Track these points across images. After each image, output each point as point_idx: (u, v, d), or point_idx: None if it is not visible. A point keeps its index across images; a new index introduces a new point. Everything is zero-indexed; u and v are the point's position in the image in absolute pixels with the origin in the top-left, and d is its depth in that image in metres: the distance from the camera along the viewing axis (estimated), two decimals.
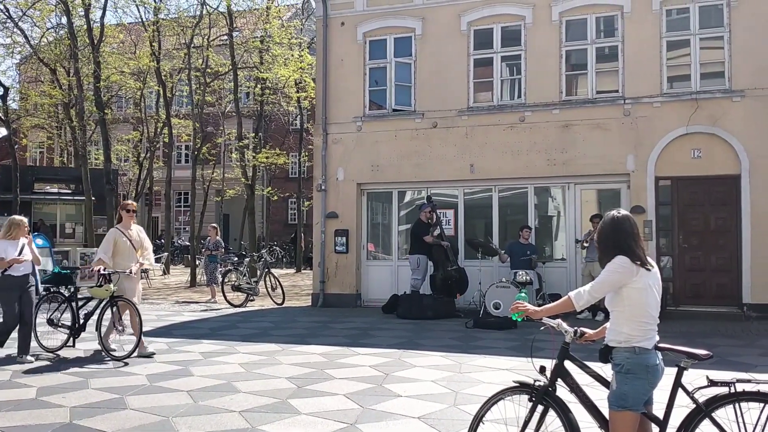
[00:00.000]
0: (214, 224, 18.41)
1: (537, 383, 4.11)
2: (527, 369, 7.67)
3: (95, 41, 21.36)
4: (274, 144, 31.34)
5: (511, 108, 14.68)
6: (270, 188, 31.78)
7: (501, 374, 7.94)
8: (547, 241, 15.20)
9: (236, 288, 15.88)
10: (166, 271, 25.74)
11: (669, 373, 3.87)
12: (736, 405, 3.71)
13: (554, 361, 4.11)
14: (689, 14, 13.65)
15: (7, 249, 8.70)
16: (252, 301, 15.98)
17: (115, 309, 9.09)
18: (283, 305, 15.68)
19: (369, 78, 15.85)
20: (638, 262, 3.83)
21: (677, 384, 3.83)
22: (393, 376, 7.91)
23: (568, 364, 4.11)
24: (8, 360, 8.79)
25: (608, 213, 4.07)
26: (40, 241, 17.14)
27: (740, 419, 3.69)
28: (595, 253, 12.68)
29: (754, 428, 3.67)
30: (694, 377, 3.96)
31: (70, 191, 27.36)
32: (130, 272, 9.20)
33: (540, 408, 4.08)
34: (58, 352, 9.27)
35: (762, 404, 3.67)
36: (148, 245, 9.75)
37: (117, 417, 6.18)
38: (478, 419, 4.26)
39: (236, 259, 18.51)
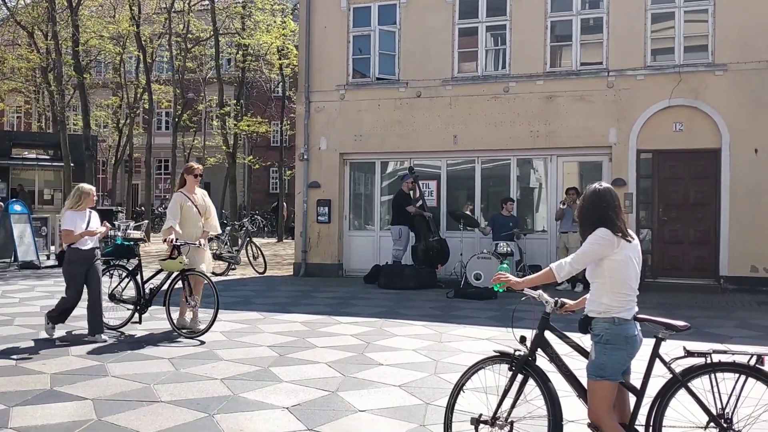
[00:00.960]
0: None
1: (517, 353, 4.15)
2: (507, 338, 7.76)
3: (73, 4, 20.94)
4: (255, 112, 31.06)
5: (495, 78, 14.64)
6: (251, 157, 31.59)
7: (481, 344, 8.02)
8: (529, 213, 15.28)
9: (217, 257, 15.79)
10: (146, 239, 25.57)
11: (647, 344, 3.92)
12: (712, 375, 3.77)
13: (534, 331, 4.15)
14: None
15: (76, 221, 7.94)
16: (233, 269, 15.96)
17: (186, 283, 8.48)
18: (265, 274, 15.68)
19: (353, 46, 15.71)
20: (619, 234, 3.86)
21: (655, 354, 3.88)
22: (374, 344, 7.97)
23: (548, 335, 4.15)
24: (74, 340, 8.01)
25: (590, 185, 4.09)
26: (18, 207, 17.01)
27: (715, 389, 3.76)
28: (569, 225, 12.82)
29: (729, 398, 3.73)
30: (671, 348, 4.02)
31: (48, 157, 26.96)
32: (199, 245, 8.54)
33: (520, 377, 4.12)
34: (122, 329, 8.62)
35: (737, 375, 3.73)
36: (213, 211, 9.06)
37: (98, 384, 6.18)
38: (458, 388, 4.30)
39: None
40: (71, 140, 22.24)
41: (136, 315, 8.81)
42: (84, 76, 22.20)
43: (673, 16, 13.63)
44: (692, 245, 13.55)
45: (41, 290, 12.43)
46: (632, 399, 3.96)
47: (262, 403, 5.68)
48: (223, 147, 23.97)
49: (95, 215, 8.27)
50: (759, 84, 12.95)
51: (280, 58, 25.96)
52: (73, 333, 8.47)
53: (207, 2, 24.35)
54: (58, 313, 8.15)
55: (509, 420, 4.15)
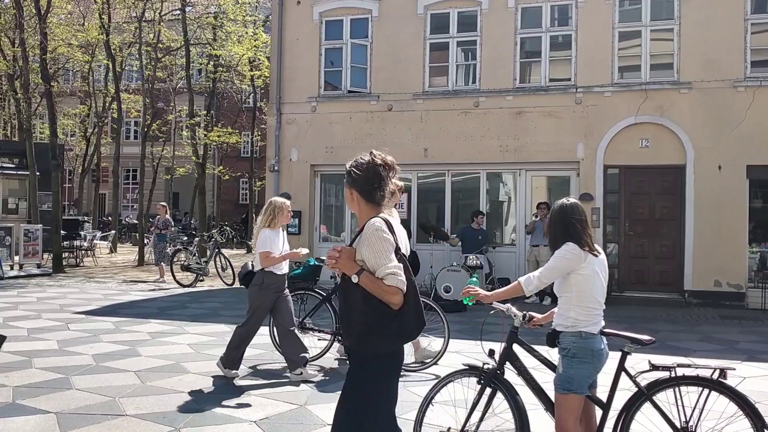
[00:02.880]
0: (163, 203, 18.11)
1: (486, 366, 4.18)
2: (476, 351, 7.79)
3: (42, 11, 20.66)
4: (226, 122, 30.89)
5: (465, 93, 14.77)
6: (221, 167, 31.39)
7: (450, 357, 8.03)
8: (498, 226, 15.40)
9: (185, 268, 15.67)
10: (113, 249, 25.25)
11: (613, 357, 3.97)
12: (676, 389, 3.84)
13: (503, 345, 4.19)
14: (641, 6, 13.89)
15: (274, 241, 6.98)
16: (201, 281, 15.81)
17: None
18: (233, 286, 15.55)
19: (324, 58, 15.74)
20: (586, 249, 3.92)
21: (620, 368, 3.95)
22: (343, 357, 7.93)
23: (517, 348, 4.19)
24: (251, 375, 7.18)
25: (558, 201, 4.15)
26: None
27: (680, 402, 3.82)
28: (539, 239, 12.95)
29: (692, 411, 3.80)
30: (636, 361, 4.08)
31: (13, 165, 26.45)
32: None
33: (488, 391, 4.15)
34: (316, 362, 7.67)
35: (700, 388, 3.80)
36: None
37: (61, 397, 6.07)
38: (427, 401, 4.31)
39: (186, 238, 18.24)
40: (37, 149, 21.85)
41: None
42: (51, 84, 21.87)
43: (640, 34, 13.90)
44: (657, 260, 13.76)
45: (5, 301, 12.18)
46: (598, 412, 4.00)
47: (230, 416, 5.63)
48: (193, 157, 23.77)
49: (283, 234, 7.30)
50: (722, 102, 13.24)
51: (251, 69, 25.89)
52: (257, 367, 7.55)
53: (178, 12, 24.22)
54: (236, 347, 7.00)
55: None
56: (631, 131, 13.74)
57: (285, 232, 7.31)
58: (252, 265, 7.13)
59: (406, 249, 3.36)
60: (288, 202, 7.36)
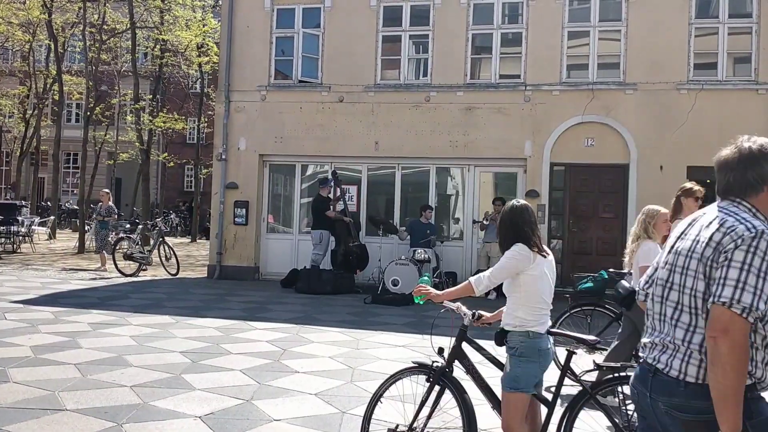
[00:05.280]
0: (106, 189, 17.68)
1: (435, 364, 4.22)
2: (423, 345, 7.86)
3: None
4: (172, 108, 30.26)
5: (417, 87, 14.80)
6: (166, 154, 30.78)
7: (398, 351, 8.08)
8: (446, 221, 15.51)
9: (128, 257, 15.34)
10: (52, 236, 24.54)
11: (558, 356, 4.05)
12: (619, 388, 3.93)
13: (452, 343, 4.22)
14: (590, 6, 14.14)
15: (656, 255, 5.70)
16: (144, 270, 15.50)
17: None
18: (178, 276, 15.31)
19: (275, 47, 15.56)
20: (535, 249, 3.98)
21: (566, 367, 4.02)
22: (290, 351, 7.90)
23: (465, 347, 4.23)
24: None
25: (508, 202, 4.22)
26: None
27: (622, 402, 3.91)
28: (493, 235, 13.08)
29: (634, 410, 3.89)
30: (581, 360, 4.16)
31: None
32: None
33: (437, 388, 4.19)
34: None
35: None
36: None
37: None
38: (376, 398, 4.33)
39: (129, 226, 17.84)
40: None
41: None
42: None
43: (588, 34, 14.15)
44: (600, 256, 14.05)
45: None
46: (544, 410, 4.08)
47: (174, 411, 5.54)
48: (137, 143, 23.26)
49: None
50: (666, 104, 13.59)
51: (199, 55, 25.40)
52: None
53: None
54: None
55: (425, 430, 4.20)
56: (577, 130, 14.00)
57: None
58: (627, 281, 6.24)
59: None
60: (663, 210, 6.49)
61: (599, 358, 5.89)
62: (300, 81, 15.33)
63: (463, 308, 4.23)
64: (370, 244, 14.14)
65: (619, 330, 6.37)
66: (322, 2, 15.22)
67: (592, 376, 4.03)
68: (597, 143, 13.92)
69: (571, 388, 4.08)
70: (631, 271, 6.12)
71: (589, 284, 7.43)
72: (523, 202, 4.17)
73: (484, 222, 13.76)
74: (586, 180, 14.15)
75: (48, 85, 28.30)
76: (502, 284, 4.11)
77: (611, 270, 7.55)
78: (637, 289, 2.78)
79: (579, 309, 6.98)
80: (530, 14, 14.29)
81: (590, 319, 7.23)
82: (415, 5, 14.90)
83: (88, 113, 24.78)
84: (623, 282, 6.27)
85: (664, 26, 13.65)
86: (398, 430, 4.20)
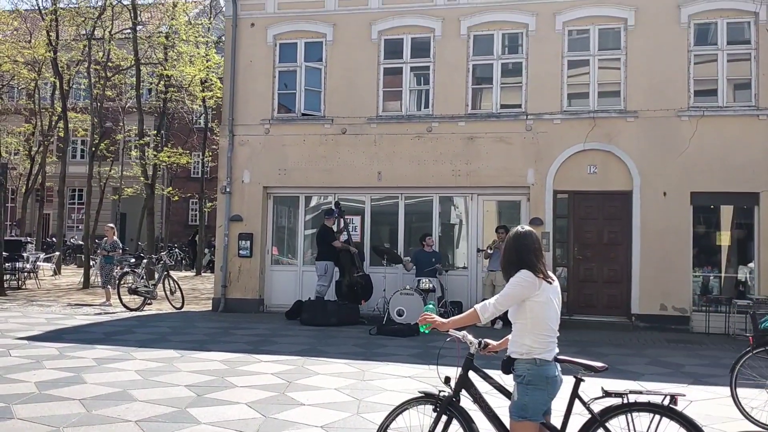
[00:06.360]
0: (111, 224, 17.73)
1: (441, 393, 4.18)
2: (429, 376, 7.81)
3: None
4: (176, 142, 30.48)
5: (418, 118, 14.90)
6: (171, 188, 30.91)
7: (404, 382, 8.02)
8: (450, 250, 15.50)
9: (133, 291, 15.33)
10: (57, 272, 24.56)
11: (567, 383, 4.01)
12: (629, 415, 3.90)
13: (459, 372, 4.19)
14: (589, 36, 14.27)
15: None
16: (149, 304, 15.48)
17: None
18: (182, 310, 15.27)
19: (278, 81, 15.72)
20: (540, 276, 3.97)
21: (574, 395, 3.98)
22: (296, 384, 7.85)
23: (472, 375, 4.20)
24: None
25: (513, 229, 4.21)
26: None
27: (632, 428, 3.87)
28: (498, 263, 13.03)
29: None
30: (589, 386, 4.12)
31: None
32: None
33: (444, 418, 4.15)
34: None
35: (652, 414, 3.87)
36: None
37: (2, 427, 5.84)
38: (383, 429, 4.29)
39: (134, 260, 17.84)
40: None
41: None
42: None
43: (588, 63, 14.26)
44: (605, 284, 14.02)
45: None
46: None
47: None
48: (141, 178, 23.36)
49: None
50: (667, 130, 13.64)
51: (203, 90, 25.64)
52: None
53: (129, 31, 23.89)
54: None
55: None
56: (579, 158, 14.04)
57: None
58: None
59: None
60: None
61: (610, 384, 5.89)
62: (303, 114, 15.45)
63: (469, 337, 4.21)
64: (375, 274, 14.11)
65: None
66: (324, 36, 15.41)
67: (602, 404, 3.99)
68: (600, 170, 13.95)
69: (580, 416, 4.03)
70: None
71: None
72: (527, 228, 4.16)
73: (488, 251, 13.74)
74: (590, 207, 14.14)
75: (53, 122, 28.53)
76: (507, 312, 4.09)
77: None
78: None
79: (763, 349, 6.59)
80: (530, 44, 14.42)
81: None
82: (416, 38, 15.07)
83: (93, 149, 24.97)
84: None
85: (663, 54, 13.76)
86: None
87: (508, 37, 14.81)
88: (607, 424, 3.94)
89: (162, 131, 26.98)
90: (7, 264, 19.21)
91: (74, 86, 28.42)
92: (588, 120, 13.98)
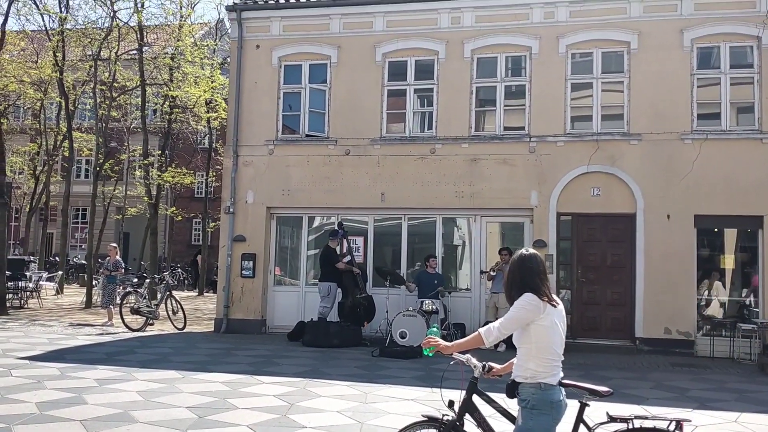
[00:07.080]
0: (114, 244, 17.75)
1: (445, 417, 4.15)
2: (432, 399, 7.76)
3: None
4: (180, 163, 30.60)
5: (422, 140, 14.94)
6: (174, 208, 30.97)
7: (407, 404, 7.97)
8: (452, 271, 15.46)
9: (135, 311, 15.31)
10: (59, 291, 24.53)
11: (571, 407, 3.98)
12: None
13: (462, 396, 4.16)
14: (592, 58, 14.34)
15: None
16: (151, 325, 15.44)
17: None
18: (185, 330, 15.22)
19: (283, 102, 15.80)
20: (545, 299, 3.95)
21: (579, 419, 3.96)
22: (298, 406, 7.81)
23: (476, 399, 4.17)
24: None
25: (517, 251, 4.19)
26: None
27: None
28: (501, 285, 13.01)
29: None
30: (594, 411, 4.09)
31: None
32: None
33: None
34: None
35: None
36: None
37: None
38: None
39: (136, 280, 17.82)
40: None
41: None
42: (1, 121, 21.46)
43: (592, 86, 14.32)
44: (609, 306, 13.96)
45: None
46: None
47: None
48: (145, 198, 23.42)
49: None
50: (671, 154, 13.66)
51: (207, 111, 25.79)
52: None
53: (135, 52, 24.08)
54: None
55: None
56: (583, 180, 14.05)
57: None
58: None
59: None
60: None
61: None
62: (307, 135, 15.51)
63: (473, 360, 4.18)
64: (377, 295, 14.08)
65: None
66: (329, 58, 15.51)
67: (607, 429, 3.96)
68: (603, 193, 13.95)
69: None
70: None
71: None
72: (532, 250, 4.14)
73: (491, 273, 13.71)
74: (593, 230, 14.13)
75: (58, 142, 28.68)
76: (512, 335, 4.07)
77: None
78: None
79: None
80: (533, 67, 14.50)
81: None
82: (420, 60, 15.16)
83: (98, 169, 25.05)
84: None
85: (666, 77, 13.81)
86: None
87: (512, 59, 14.89)
88: None
89: (166, 151, 27.07)
90: (9, 283, 19.20)
91: (80, 106, 28.61)
92: (591, 142, 14.01)
